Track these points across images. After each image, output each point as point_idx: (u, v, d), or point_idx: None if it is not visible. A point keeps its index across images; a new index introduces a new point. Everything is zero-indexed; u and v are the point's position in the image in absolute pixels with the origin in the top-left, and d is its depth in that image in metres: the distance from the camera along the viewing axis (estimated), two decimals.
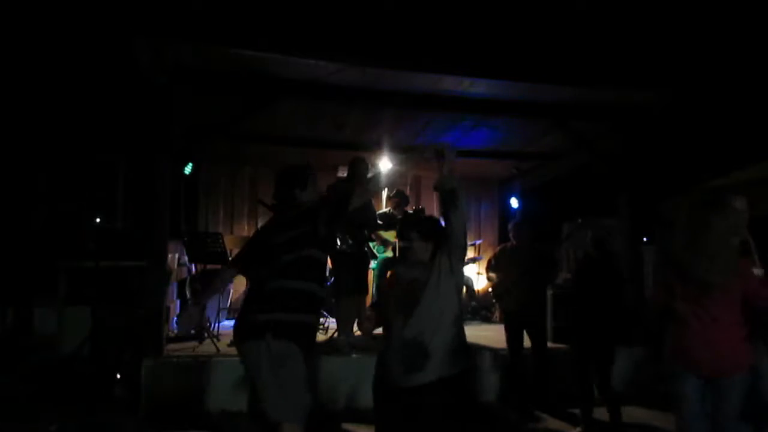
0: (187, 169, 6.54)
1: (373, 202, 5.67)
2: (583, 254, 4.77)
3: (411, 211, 6.60)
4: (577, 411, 4.41)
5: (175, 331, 5.67)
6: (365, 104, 5.89)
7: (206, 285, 3.17)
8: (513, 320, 5.00)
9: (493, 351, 5.49)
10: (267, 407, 2.48)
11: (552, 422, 4.66)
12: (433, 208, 9.33)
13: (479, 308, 8.25)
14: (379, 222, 6.09)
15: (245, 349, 2.60)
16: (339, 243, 5.47)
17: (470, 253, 8.87)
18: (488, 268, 5.38)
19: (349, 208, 2.74)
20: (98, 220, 8.18)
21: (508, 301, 5.07)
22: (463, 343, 2.71)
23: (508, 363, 5.07)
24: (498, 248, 5.69)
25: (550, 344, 5.33)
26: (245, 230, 8.53)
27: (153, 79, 5.02)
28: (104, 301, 5.55)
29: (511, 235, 5.23)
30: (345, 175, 5.87)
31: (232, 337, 2.98)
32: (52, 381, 5.21)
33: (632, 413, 4.80)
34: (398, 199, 6.55)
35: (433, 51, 5.01)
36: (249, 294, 2.82)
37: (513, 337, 4.98)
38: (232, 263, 3.04)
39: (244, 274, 3.04)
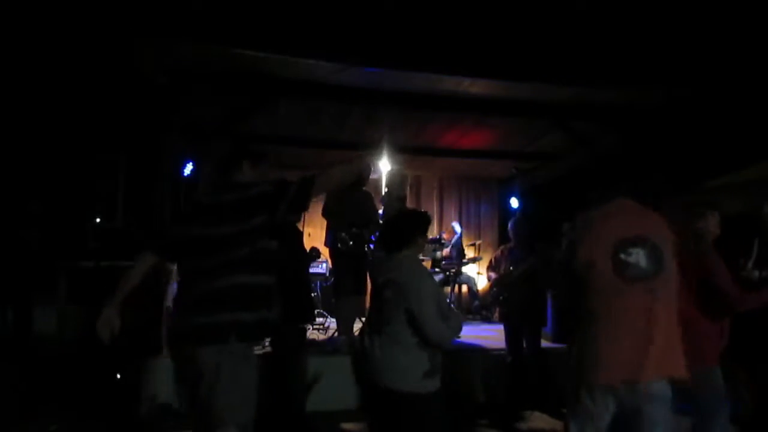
0: (187, 169, 6.54)
1: (374, 201, 5.66)
2: None
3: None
4: None
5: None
6: (365, 104, 5.90)
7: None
8: (512, 320, 4.99)
9: (494, 351, 5.50)
10: (222, 411, 2.26)
11: (550, 422, 4.66)
12: (433, 207, 9.34)
13: (480, 308, 8.25)
14: (380, 222, 6.09)
15: (202, 354, 2.27)
16: (340, 243, 5.47)
17: (470, 253, 8.88)
18: (489, 268, 5.38)
19: (312, 194, 2.40)
20: (98, 220, 8.17)
21: (507, 300, 5.06)
22: None
23: (507, 363, 5.07)
24: (500, 248, 5.69)
25: (552, 344, 5.35)
26: None
27: (153, 79, 5.03)
28: (104, 300, 5.54)
29: (509, 232, 5.23)
30: None
31: (170, 342, 2.54)
32: (52, 381, 5.21)
33: None
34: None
35: (433, 51, 5.00)
36: (191, 291, 2.40)
37: (512, 336, 4.98)
38: (154, 250, 2.58)
39: (170, 262, 2.73)
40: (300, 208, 2.44)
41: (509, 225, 5.28)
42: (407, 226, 2.82)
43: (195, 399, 2.31)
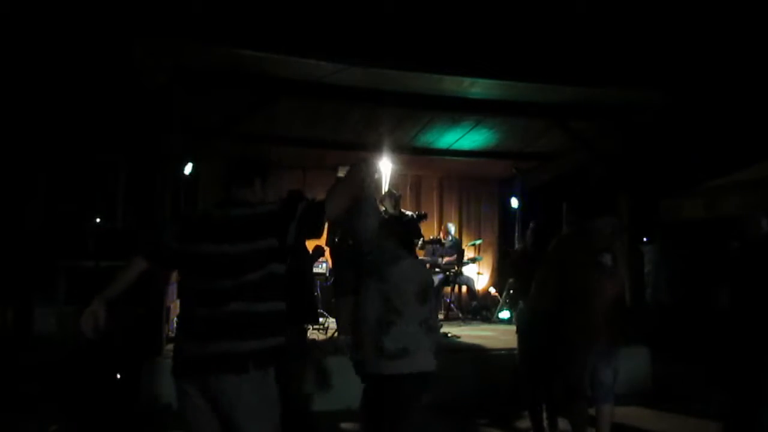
0: (187, 169, 6.54)
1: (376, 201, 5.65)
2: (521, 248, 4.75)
3: (410, 213, 6.59)
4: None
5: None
6: (365, 104, 5.90)
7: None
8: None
9: (494, 351, 5.50)
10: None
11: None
12: (433, 208, 9.34)
13: (479, 308, 8.25)
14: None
15: (220, 383, 2.22)
16: (340, 242, 5.47)
17: (470, 253, 8.88)
18: (510, 272, 5.28)
19: (324, 221, 2.36)
20: (98, 220, 8.17)
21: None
22: None
23: (515, 364, 5.02)
24: (518, 254, 5.62)
25: None
26: None
27: (153, 79, 5.02)
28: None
29: (528, 239, 5.16)
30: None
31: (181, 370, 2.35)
32: (52, 381, 5.21)
33: (632, 413, 4.80)
34: (393, 200, 6.53)
35: (433, 51, 5.01)
36: (201, 314, 2.29)
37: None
38: (149, 258, 2.44)
39: (166, 270, 2.63)
40: (312, 233, 2.41)
41: (528, 233, 5.18)
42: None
43: (215, 423, 2.28)
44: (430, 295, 2.90)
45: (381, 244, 2.91)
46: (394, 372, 2.69)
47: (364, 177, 2.68)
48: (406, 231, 3.09)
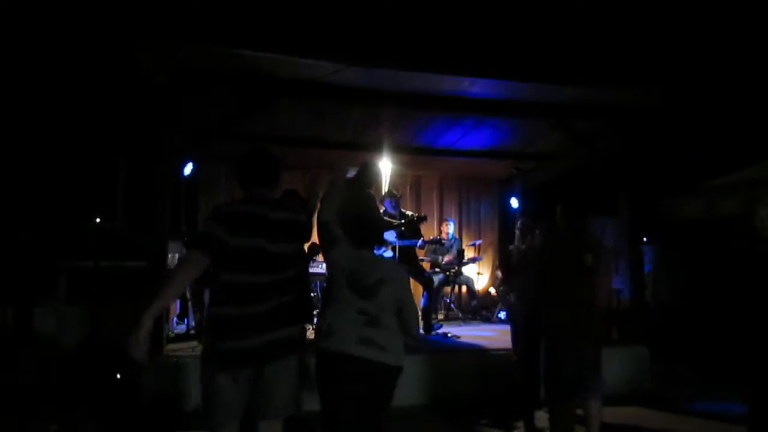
0: (187, 169, 6.54)
1: (375, 201, 5.65)
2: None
3: (410, 213, 6.59)
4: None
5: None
6: (365, 104, 5.90)
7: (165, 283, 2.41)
8: (519, 320, 4.94)
9: (494, 351, 5.50)
10: (278, 411, 2.56)
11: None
12: (433, 208, 9.35)
13: (479, 308, 8.25)
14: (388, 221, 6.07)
15: (270, 370, 2.46)
16: None
17: (470, 253, 8.88)
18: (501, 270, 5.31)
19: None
20: (98, 220, 8.17)
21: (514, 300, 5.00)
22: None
23: (513, 361, 5.03)
24: (510, 248, 5.65)
25: None
26: None
27: (153, 79, 5.02)
28: (104, 300, 5.55)
29: (517, 232, 5.19)
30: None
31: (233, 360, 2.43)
32: (52, 381, 5.21)
33: (632, 413, 4.80)
34: (393, 201, 6.54)
35: (433, 51, 5.01)
36: (251, 307, 2.44)
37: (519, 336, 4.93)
38: (210, 251, 2.38)
39: (219, 267, 2.60)
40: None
41: (518, 225, 5.22)
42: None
43: (242, 409, 2.48)
44: (378, 292, 2.77)
45: (333, 226, 2.92)
46: (320, 347, 2.74)
47: (363, 176, 2.83)
48: (364, 234, 3.00)
